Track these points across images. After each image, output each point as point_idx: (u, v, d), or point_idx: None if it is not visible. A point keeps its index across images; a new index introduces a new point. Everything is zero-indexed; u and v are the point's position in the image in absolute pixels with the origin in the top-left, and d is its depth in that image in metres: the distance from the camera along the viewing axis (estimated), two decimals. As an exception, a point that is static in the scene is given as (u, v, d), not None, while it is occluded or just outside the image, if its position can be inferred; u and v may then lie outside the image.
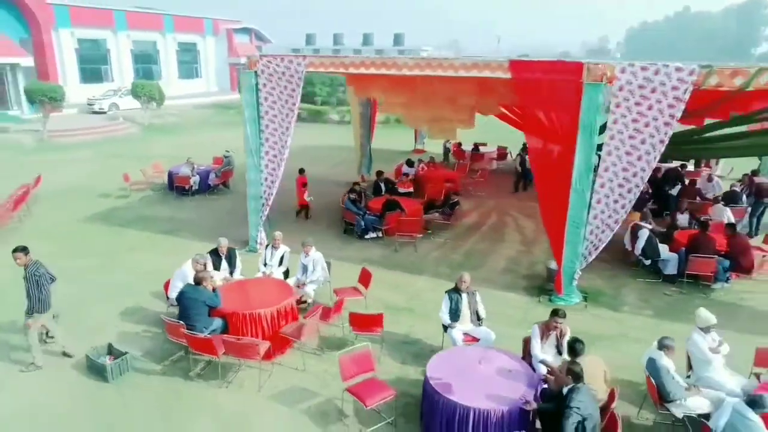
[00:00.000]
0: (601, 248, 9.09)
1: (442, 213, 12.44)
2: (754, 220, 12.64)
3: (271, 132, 10.84)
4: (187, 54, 45.37)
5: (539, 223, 13.56)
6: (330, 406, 6.53)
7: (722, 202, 11.89)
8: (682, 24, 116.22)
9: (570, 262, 9.24)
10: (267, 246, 9.28)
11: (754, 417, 4.88)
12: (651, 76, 8.17)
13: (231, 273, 8.73)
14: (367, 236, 12.16)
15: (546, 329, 6.51)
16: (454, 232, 12.83)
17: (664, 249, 10.24)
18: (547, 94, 8.93)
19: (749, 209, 12.57)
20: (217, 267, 8.64)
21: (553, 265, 9.78)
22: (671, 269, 10.09)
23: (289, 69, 10.29)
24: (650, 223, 11.27)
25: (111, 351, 7.07)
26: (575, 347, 5.69)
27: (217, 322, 7.29)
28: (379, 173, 14.29)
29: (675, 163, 16.33)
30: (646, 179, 8.70)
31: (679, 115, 8.27)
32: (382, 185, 13.90)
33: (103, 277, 10.17)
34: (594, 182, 8.93)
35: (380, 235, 12.18)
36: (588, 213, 9.03)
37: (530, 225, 13.63)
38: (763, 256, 9.85)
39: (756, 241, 11.95)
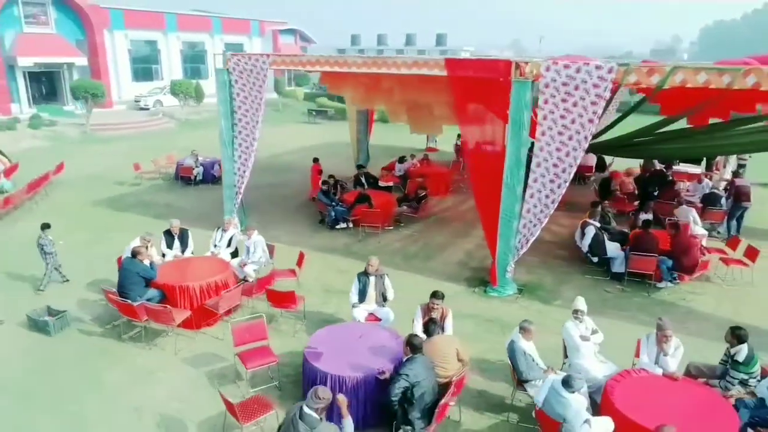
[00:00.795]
0: (531, 241, 9.32)
1: (410, 206, 12.89)
2: (733, 224, 12.32)
3: (243, 126, 11.68)
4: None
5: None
6: (231, 369, 7.22)
7: (684, 204, 11.68)
8: (760, 21, 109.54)
9: (503, 254, 9.52)
10: (218, 228, 10.08)
11: (566, 395, 5.16)
12: (573, 74, 8.35)
13: (183, 251, 9.59)
14: (337, 226, 12.78)
15: (427, 310, 6.92)
16: (424, 225, 13.25)
17: (614, 247, 10.29)
18: (479, 91, 9.25)
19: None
20: (170, 246, 9.53)
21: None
22: (619, 267, 10.13)
23: (255, 67, 11.09)
24: (609, 222, 11.34)
25: (50, 312, 8.08)
26: (428, 328, 6.12)
27: (152, 293, 8.14)
28: (360, 167, 14.89)
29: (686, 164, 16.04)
30: (572, 175, 8.87)
31: (600, 112, 8.42)
32: (363, 179, 14.47)
33: (87, 250, 11.34)
34: (527, 177, 9.21)
35: (350, 225, 12.77)
36: (521, 207, 9.30)
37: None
38: (704, 255, 9.71)
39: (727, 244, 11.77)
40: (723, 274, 10.36)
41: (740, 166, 17.24)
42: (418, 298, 7.61)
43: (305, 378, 6.41)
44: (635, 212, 11.61)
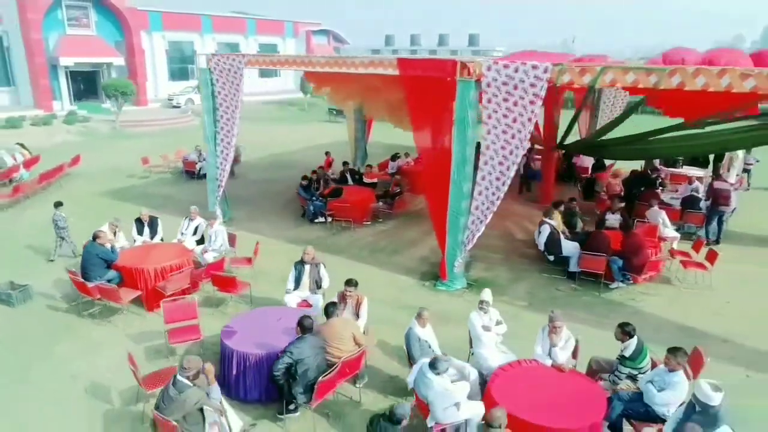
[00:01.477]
0: (477, 236, 9.52)
1: (384, 202, 13.24)
2: (712, 227, 12.06)
3: (225, 122, 12.36)
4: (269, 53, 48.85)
5: (493, 223, 13.94)
6: (167, 346, 7.81)
7: (657, 206, 11.53)
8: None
9: (452, 250, 9.76)
10: (186, 218, 10.74)
11: (431, 376, 5.44)
12: (512, 74, 8.54)
13: (152, 237, 10.30)
14: (316, 220, 13.28)
15: (343, 298, 7.30)
16: (401, 221, 13.57)
17: (571, 246, 10.33)
18: (429, 90, 9.50)
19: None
20: (140, 232, 10.26)
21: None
22: (575, 266, 10.18)
23: (232, 66, 11.72)
24: (576, 222, 11.37)
25: (12, 286, 8.91)
26: (327, 310, 6.50)
27: (112, 274, 8.85)
28: (345, 164, 15.34)
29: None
30: (513, 173, 9.03)
31: (538, 111, 8.57)
32: (348, 176, 14.92)
33: (81, 235, 12.12)
34: (476, 174, 9.43)
35: (328, 219, 13.24)
36: (470, 204, 9.53)
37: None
38: (655, 256, 9.65)
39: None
40: (683, 277, 10.27)
41: (745, 170, 16.74)
42: (367, 289, 8.02)
43: (221, 354, 6.92)
44: (602, 213, 11.56)
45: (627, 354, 6.10)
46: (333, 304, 6.61)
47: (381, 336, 8.00)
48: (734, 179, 16.57)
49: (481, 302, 6.82)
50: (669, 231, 11.34)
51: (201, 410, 5.28)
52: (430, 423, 5.51)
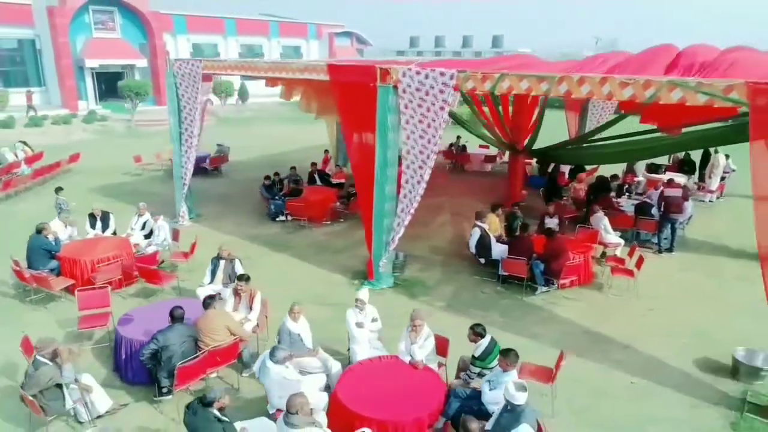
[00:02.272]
0: (398, 238, 9.79)
1: (341, 202, 13.62)
2: (665, 235, 11.90)
3: (189, 123, 13.02)
4: (290, 56, 49.82)
5: (447, 224, 14.18)
6: (87, 332, 8.42)
7: (600, 212, 11.47)
8: None
9: (377, 250, 10.07)
10: (135, 213, 11.40)
11: (269, 364, 5.82)
12: (423, 80, 8.80)
13: (104, 231, 11.01)
14: (277, 219, 13.78)
15: (236, 292, 7.74)
16: (358, 221, 13.87)
17: (501, 249, 10.46)
18: (356, 95, 9.83)
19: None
20: (92, 226, 11.00)
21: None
22: (502, 269, 10.31)
23: (191, 71, 12.35)
24: (516, 226, 11.45)
25: None
26: (205, 302, 6.95)
27: (54, 264, 9.58)
28: (313, 164, 15.78)
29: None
30: (429, 176, 9.27)
31: (446, 116, 8.78)
32: (316, 176, 15.37)
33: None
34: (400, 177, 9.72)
35: (288, 218, 13.72)
36: (396, 205, 9.82)
37: (438, 223, 14.16)
38: (572, 260, 9.66)
39: (662, 259, 11.58)
40: (615, 284, 10.24)
41: (722, 178, 16.33)
42: (298, 285, 8.37)
43: (114, 340, 7.47)
44: (542, 217, 11.59)
45: (477, 354, 6.30)
46: (211, 297, 7.05)
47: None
48: (715, 186, 16.22)
49: (357, 300, 7.12)
50: (611, 237, 11.29)
51: (60, 387, 5.82)
52: (270, 410, 5.88)
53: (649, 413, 6.81)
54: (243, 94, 34.21)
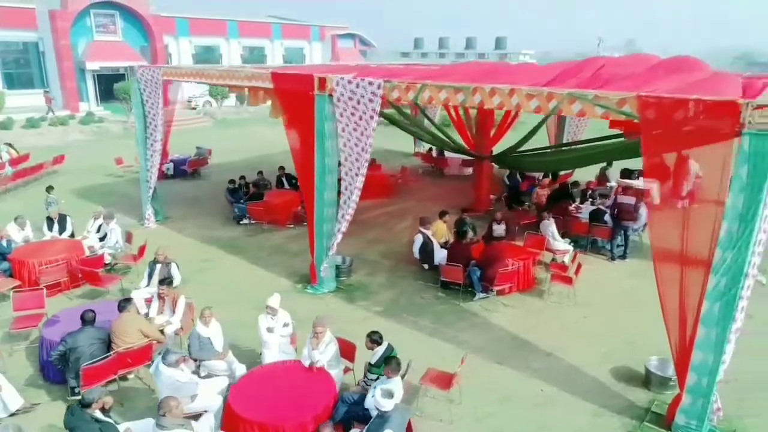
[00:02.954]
0: (336, 244, 9.96)
1: (303, 206, 13.79)
2: (617, 242, 11.90)
3: (153, 128, 13.32)
4: (293, 58, 50.22)
5: (408, 229, 14.26)
6: (27, 331, 8.72)
7: (548, 219, 11.50)
8: None
9: (319, 255, 10.24)
10: (92, 216, 11.72)
11: (161, 367, 6.02)
12: (355, 89, 8.95)
13: (60, 234, 11.35)
14: (241, 222, 14.04)
15: (159, 296, 7.98)
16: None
17: (444, 255, 10.56)
18: (297, 103, 9.99)
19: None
20: (50, 228, 11.34)
21: (338, 259, 10.88)
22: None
23: (153, 77, 12.65)
24: (465, 231, 11.54)
25: None
26: (119, 305, 7.18)
27: (5, 265, 9.92)
28: (281, 168, 15.99)
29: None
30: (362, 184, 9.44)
31: (374, 125, 8.93)
32: (284, 180, 15.59)
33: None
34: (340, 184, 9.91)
35: (251, 221, 13.97)
36: (337, 211, 9.99)
37: (399, 228, 14.28)
38: (508, 267, 9.73)
39: (613, 266, 11.62)
40: (557, 291, 10.29)
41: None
42: (242, 289, 8.56)
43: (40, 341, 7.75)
44: (490, 224, 11.66)
45: (373, 361, 6.45)
46: (126, 300, 7.29)
47: (230, 334, 8.47)
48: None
49: (267, 307, 7.30)
50: (559, 244, 11.33)
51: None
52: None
53: (550, 421, 6.89)
54: (241, 98, 34.61)
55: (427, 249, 10.59)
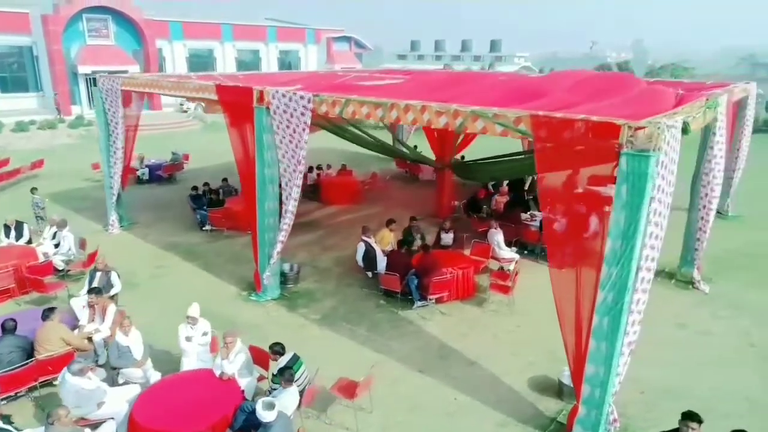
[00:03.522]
0: (276, 252, 10.17)
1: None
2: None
3: (116, 136, 13.62)
4: (288, 60, 50.56)
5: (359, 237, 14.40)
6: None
7: (495, 227, 11.65)
8: None
9: (262, 263, 10.46)
10: (47, 224, 12.01)
11: (67, 377, 6.25)
12: (288, 103, 9.17)
13: (17, 240, 11.64)
14: (204, 228, 14.30)
15: (90, 306, 8.23)
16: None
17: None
18: (241, 114, 10.22)
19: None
20: (7, 235, 11.64)
21: (286, 267, 11.13)
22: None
23: (112, 87, 12.94)
24: (413, 239, 11.73)
25: None
26: (43, 314, 7.44)
27: (-43, 270, 10.24)
28: (224, 180, 16.30)
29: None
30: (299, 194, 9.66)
31: (306, 138, 9.14)
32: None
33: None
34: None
35: (213, 228, 14.23)
36: (279, 221, 10.22)
37: (353, 236, 14.40)
38: (444, 275, 9.90)
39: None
40: (496, 299, 10.45)
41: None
42: (190, 295, 8.78)
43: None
44: (438, 232, 11.83)
45: (275, 371, 6.66)
46: (50, 309, 7.54)
47: (170, 341, 8.66)
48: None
49: (187, 317, 7.53)
50: (504, 253, 11.48)
51: None
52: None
53: (455, 430, 7.07)
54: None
55: (369, 257, 10.78)
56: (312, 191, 17.49)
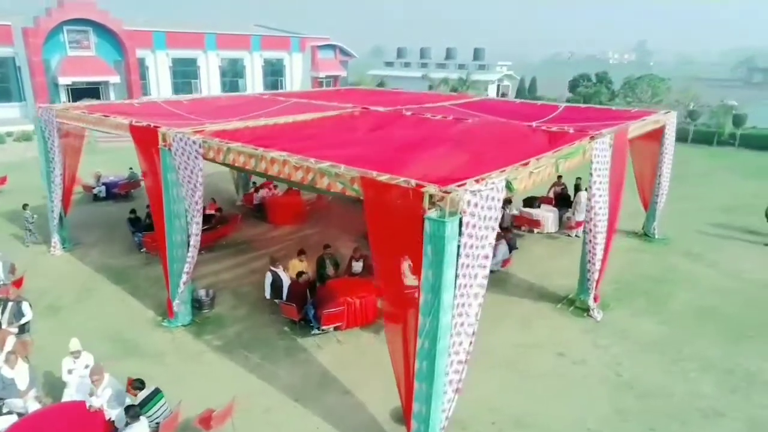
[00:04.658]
0: (183, 282, 10.83)
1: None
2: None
3: (55, 163, 14.34)
4: (273, 68, 51.20)
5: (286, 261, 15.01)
6: None
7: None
8: None
9: (173, 290, 11.13)
10: (-19, 249, 12.74)
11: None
12: (184, 146, 9.84)
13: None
14: (141, 250, 14.98)
15: (-6, 335, 8.93)
16: (218, 255, 14.98)
17: (294, 292, 11.40)
18: (150, 152, 10.87)
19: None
20: (-55, 256, 12.37)
21: (201, 293, 11.82)
22: (296, 311, 11.26)
23: (47, 117, 13.67)
24: (326, 267, 12.36)
25: None
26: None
27: None
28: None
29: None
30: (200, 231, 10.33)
31: (201, 180, 9.81)
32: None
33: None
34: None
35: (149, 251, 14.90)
36: (188, 251, 10.88)
37: (283, 259, 15.07)
38: (332, 309, 10.52)
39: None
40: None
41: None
42: (108, 319, 9.42)
43: None
44: (349, 260, 12.47)
45: (136, 403, 7.32)
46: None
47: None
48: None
49: (71, 352, 8.20)
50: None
51: None
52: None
53: (307, 459, 7.72)
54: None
55: (276, 286, 11.43)
56: (258, 211, 18.15)
